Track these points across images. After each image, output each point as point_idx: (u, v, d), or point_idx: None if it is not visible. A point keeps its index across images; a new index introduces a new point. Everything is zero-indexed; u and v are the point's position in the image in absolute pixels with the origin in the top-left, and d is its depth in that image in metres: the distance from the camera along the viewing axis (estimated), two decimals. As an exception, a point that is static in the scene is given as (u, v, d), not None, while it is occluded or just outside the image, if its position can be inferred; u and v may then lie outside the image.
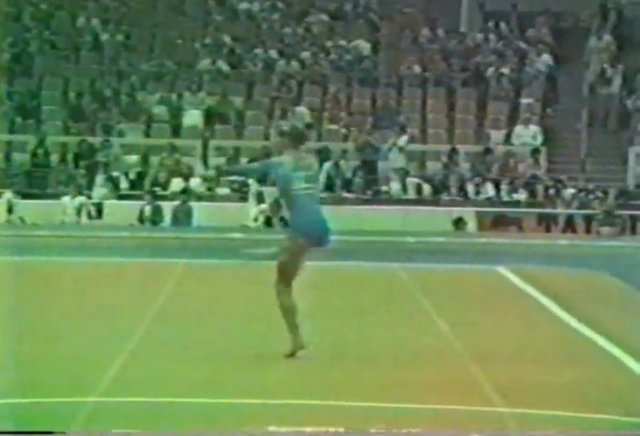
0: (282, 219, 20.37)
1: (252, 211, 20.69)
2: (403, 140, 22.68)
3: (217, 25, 25.97)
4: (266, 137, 23.54)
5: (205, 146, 23.21)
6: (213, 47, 25.36)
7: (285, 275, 7.74)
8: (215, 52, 25.20)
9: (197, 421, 6.06)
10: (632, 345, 6.99)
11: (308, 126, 23.74)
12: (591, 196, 21.23)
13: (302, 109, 23.62)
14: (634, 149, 22.72)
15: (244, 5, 26.40)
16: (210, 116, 23.78)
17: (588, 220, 20.77)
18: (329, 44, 25.38)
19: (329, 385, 7.01)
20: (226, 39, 25.57)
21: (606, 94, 23.67)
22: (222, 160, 22.73)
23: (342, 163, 22.56)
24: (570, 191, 21.50)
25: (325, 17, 26.14)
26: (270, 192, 21.33)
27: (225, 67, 24.98)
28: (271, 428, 5.82)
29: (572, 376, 7.30)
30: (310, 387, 6.95)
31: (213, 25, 26.00)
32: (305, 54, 25.10)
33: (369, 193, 22.09)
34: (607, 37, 24.60)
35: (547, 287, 10.87)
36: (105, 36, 25.43)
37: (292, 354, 7.68)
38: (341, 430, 5.85)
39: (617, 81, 23.93)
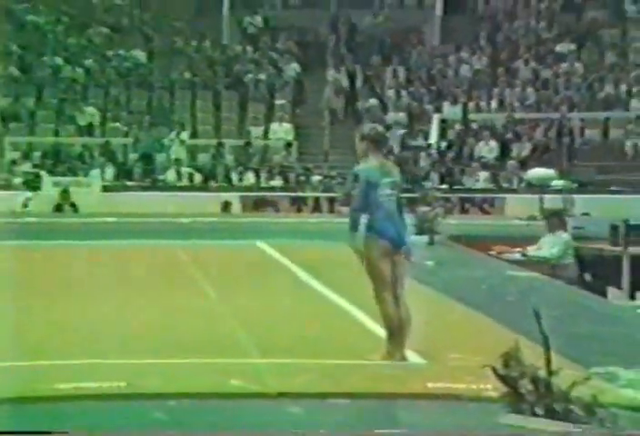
0: (72, 205, 19.70)
1: (19, 197, 19.91)
2: (185, 135, 22.56)
3: (6, 35, 25.06)
4: (56, 134, 23.09)
5: (0, 142, 22.32)
6: (3, 55, 24.46)
7: (378, 281, 6.34)
8: (6, 59, 24.30)
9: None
10: (363, 303, 7.19)
11: (90, 126, 23.40)
12: (333, 182, 21.74)
13: (91, 109, 23.10)
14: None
15: (30, 17, 25.60)
16: (4, 116, 22.88)
17: (331, 201, 21.24)
18: (110, 53, 24.96)
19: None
20: (14, 47, 24.74)
21: (345, 100, 24.30)
22: (16, 154, 21.99)
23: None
24: (317, 177, 21.97)
25: (105, 30, 25.65)
26: (58, 181, 20.69)
27: (15, 72, 24.18)
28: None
29: (318, 329, 7.41)
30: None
31: (1, 35, 25.06)
32: (89, 62, 24.56)
33: (148, 181, 21.90)
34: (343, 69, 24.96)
35: (298, 257, 11.07)
36: None
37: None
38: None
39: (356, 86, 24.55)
